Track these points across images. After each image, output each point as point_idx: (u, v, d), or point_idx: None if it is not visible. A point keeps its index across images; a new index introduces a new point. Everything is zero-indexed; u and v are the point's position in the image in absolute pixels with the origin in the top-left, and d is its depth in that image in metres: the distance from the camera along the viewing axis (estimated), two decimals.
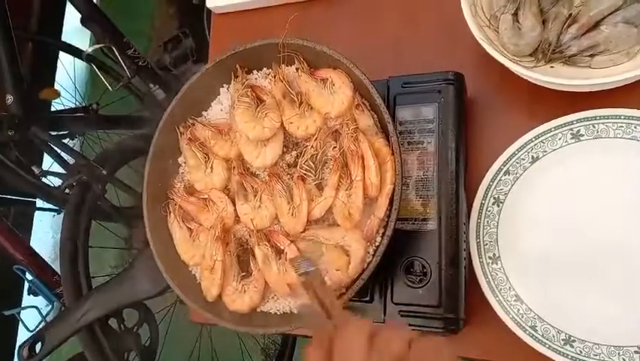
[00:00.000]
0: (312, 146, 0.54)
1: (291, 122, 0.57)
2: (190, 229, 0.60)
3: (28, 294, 1.33)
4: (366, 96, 0.55)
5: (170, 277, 0.58)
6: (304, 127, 0.57)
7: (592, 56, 0.56)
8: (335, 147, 0.53)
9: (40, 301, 1.38)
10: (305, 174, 0.54)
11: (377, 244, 0.53)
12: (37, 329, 1.30)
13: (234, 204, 0.59)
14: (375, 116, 0.55)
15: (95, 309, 0.59)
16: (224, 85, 0.62)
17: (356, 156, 0.51)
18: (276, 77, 0.58)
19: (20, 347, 0.71)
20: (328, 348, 0.38)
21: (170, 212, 0.61)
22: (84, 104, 1.54)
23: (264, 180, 0.58)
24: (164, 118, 0.60)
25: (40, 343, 0.65)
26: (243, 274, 0.58)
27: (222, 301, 0.58)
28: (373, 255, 0.52)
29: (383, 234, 0.53)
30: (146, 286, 0.60)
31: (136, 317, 1.35)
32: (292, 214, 0.55)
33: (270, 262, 0.55)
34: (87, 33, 1.78)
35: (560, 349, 0.56)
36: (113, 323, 1.28)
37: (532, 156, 0.60)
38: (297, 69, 0.57)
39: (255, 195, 0.58)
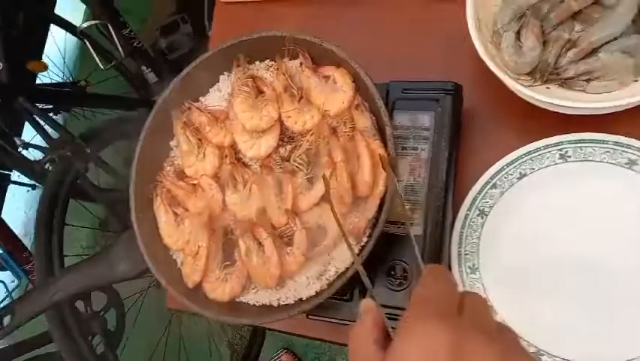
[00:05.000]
0: (307, 140, 0.54)
1: (289, 116, 0.57)
2: (176, 213, 0.60)
3: None
4: (367, 98, 0.55)
5: (151, 260, 0.57)
6: (302, 122, 0.57)
7: (587, 80, 0.57)
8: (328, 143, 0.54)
9: (7, 276, 1.34)
10: (297, 167, 0.54)
11: (363, 244, 0.53)
12: (3, 303, 1.27)
13: (223, 193, 0.59)
14: (374, 118, 0.55)
15: (71, 286, 0.58)
16: (224, 72, 0.62)
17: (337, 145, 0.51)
18: (279, 69, 0.58)
19: None
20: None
21: (157, 195, 0.60)
22: (72, 80, 1.52)
23: (255, 172, 0.58)
24: (162, 98, 0.60)
25: (9, 316, 0.63)
26: (227, 263, 0.57)
27: (201, 289, 0.58)
28: (358, 254, 0.53)
29: (370, 235, 0.53)
30: (125, 268, 0.59)
31: (103, 300, 1.33)
32: (279, 207, 0.55)
33: (252, 254, 0.55)
34: (81, 9, 1.75)
35: None
36: (80, 305, 1.26)
37: (520, 173, 0.62)
38: (300, 64, 0.57)
39: (245, 186, 0.58)
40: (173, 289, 0.57)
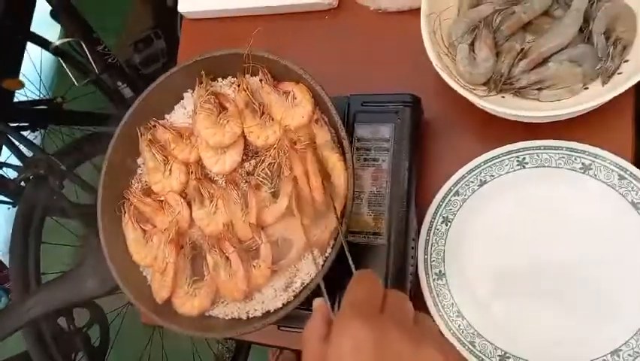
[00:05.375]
0: (270, 155, 0.55)
1: (252, 132, 0.58)
2: (144, 230, 0.60)
3: None
4: (326, 112, 0.56)
5: (120, 277, 0.58)
6: (264, 137, 0.58)
7: (540, 89, 0.59)
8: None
9: None
10: (261, 181, 0.55)
11: (327, 255, 0.54)
12: None
13: (190, 208, 0.60)
14: (334, 131, 0.56)
15: (41, 305, 0.59)
16: (188, 90, 0.63)
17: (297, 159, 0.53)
18: (240, 86, 0.59)
19: None
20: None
21: (124, 212, 0.61)
22: (48, 97, 1.51)
23: (221, 187, 0.59)
24: (126, 117, 0.61)
25: None
26: (196, 278, 0.58)
27: (172, 305, 0.58)
28: (323, 265, 0.54)
29: (333, 245, 0.54)
30: (94, 285, 0.59)
31: (87, 316, 1.32)
32: (244, 221, 0.56)
33: (219, 269, 0.56)
34: (58, 25, 1.75)
35: None
36: (62, 322, 1.25)
37: (481, 180, 0.63)
38: (260, 80, 0.59)
39: (212, 201, 0.59)
40: (142, 305, 0.57)
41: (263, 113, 0.58)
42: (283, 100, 0.57)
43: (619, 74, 0.56)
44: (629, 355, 0.55)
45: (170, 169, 0.61)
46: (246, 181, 0.58)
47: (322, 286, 0.47)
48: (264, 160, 0.56)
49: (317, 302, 0.43)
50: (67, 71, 1.24)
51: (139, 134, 0.62)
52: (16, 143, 1.11)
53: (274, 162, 0.56)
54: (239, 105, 0.59)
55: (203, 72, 0.60)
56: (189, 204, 0.60)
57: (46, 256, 1.16)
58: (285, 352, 1.45)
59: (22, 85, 1.49)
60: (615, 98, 0.57)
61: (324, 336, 0.37)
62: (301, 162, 0.53)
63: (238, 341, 1.46)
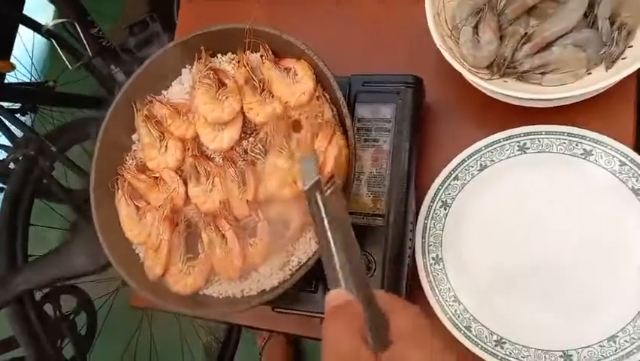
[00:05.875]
0: (264, 130, 0.54)
1: (251, 108, 0.57)
2: (137, 206, 0.59)
3: None
4: (328, 89, 0.56)
5: (112, 253, 0.57)
6: (264, 114, 0.57)
7: (543, 74, 0.59)
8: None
9: None
10: (255, 156, 0.54)
11: None
12: None
13: (186, 186, 0.58)
14: (335, 109, 0.56)
15: (33, 279, 0.57)
16: (187, 66, 0.62)
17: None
18: (240, 62, 0.58)
19: None
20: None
21: (118, 188, 0.59)
22: (40, 81, 1.49)
23: (218, 164, 0.58)
24: (122, 91, 0.59)
25: None
26: (190, 255, 0.57)
27: (164, 283, 0.57)
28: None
29: None
30: (84, 261, 0.58)
31: (73, 303, 1.30)
32: (242, 199, 0.55)
33: (214, 246, 0.55)
34: (51, 9, 1.72)
35: (491, 349, 0.58)
36: (49, 309, 1.23)
37: (481, 164, 0.63)
38: (261, 56, 0.58)
39: (208, 179, 0.58)
40: (135, 282, 0.56)
41: (263, 89, 0.57)
42: (284, 76, 0.56)
43: (623, 59, 0.55)
44: (625, 341, 0.55)
45: (166, 145, 0.59)
46: (244, 159, 0.57)
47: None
48: (257, 135, 0.55)
49: (339, 294, 0.38)
50: (60, 53, 1.22)
51: (134, 109, 0.60)
52: (7, 123, 1.09)
53: (266, 137, 0.54)
54: (238, 81, 0.58)
55: (202, 47, 0.59)
56: (185, 182, 0.59)
57: (36, 240, 1.14)
58: (274, 335, 1.43)
59: (13, 67, 1.47)
60: (618, 83, 0.56)
61: (363, 337, 0.35)
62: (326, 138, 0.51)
63: (229, 330, 1.45)
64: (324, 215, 0.40)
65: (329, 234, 0.39)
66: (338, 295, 0.38)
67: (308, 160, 0.44)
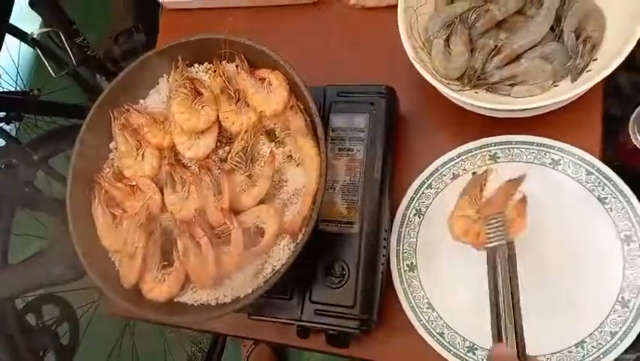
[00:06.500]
0: (242, 138, 0.55)
1: (227, 117, 0.58)
2: (114, 214, 0.59)
3: None
4: (302, 99, 0.57)
5: (88, 261, 0.57)
6: (239, 123, 0.58)
7: (512, 85, 0.60)
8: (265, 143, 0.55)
9: None
10: (235, 166, 0.55)
11: (298, 241, 0.54)
12: None
13: (162, 193, 0.59)
14: (308, 119, 0.57)
15: (8, 286, 0.57)
16: (164, 75, 0.63)
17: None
18: (215, 71, 0.59)
19: None
20: None
21: (95, 196, 0.60)
22: (24, 90, 1.49)
23: (194, 172, 0.59)
24: (100, 100, 0.60)
25: None
26: (165, 263, 0.57)
27: (140, 291, 0.57)
28: (294, 250, 0.54)
29: (305, 231, 0.54)
30: (62, 270, 0.58)
31: (55, 314, 1.29)
32: (217, 207, 0.55)
33: (189, 254, 0.55)
34: (38, 18, 1.73)
35: (463, 356, 0.59)
36: (31, 318, 1.21)
37: (453, 173, 0.64)
38: (236, 66, 0.59)
39: (184, 187, 0.58)
40: (110, 289, 0.56)
41: (238, 99, 0.58)
42: (259, 86, 0.57)
43: (588, 71, 0.57)
44: (592, 347, 0.56)
45: (143, 154, 0.60)
46: (220, 168, 0.58)
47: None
48: (237, 144, 0.56)
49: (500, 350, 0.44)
50: (45, 62, 1.22)
51: (112, 117, 0.61)
52: None
53: (247, 146, 0.55)
54: (214, 91, 0.59)
55: (179, 57, 0.60)
56: (161, 190, 0.59)
57: (20, 249, 1.13)
58: (260, 346, 1.43)
59: None
60: (585, 95, 0.58)
61: None
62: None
63: (214, 340, 1.44)
64: (500, 274, 0.47)
65: (501, 293, 0.47)
66: (504, 351, 0.45)
67: (499, 219, 0.49)
